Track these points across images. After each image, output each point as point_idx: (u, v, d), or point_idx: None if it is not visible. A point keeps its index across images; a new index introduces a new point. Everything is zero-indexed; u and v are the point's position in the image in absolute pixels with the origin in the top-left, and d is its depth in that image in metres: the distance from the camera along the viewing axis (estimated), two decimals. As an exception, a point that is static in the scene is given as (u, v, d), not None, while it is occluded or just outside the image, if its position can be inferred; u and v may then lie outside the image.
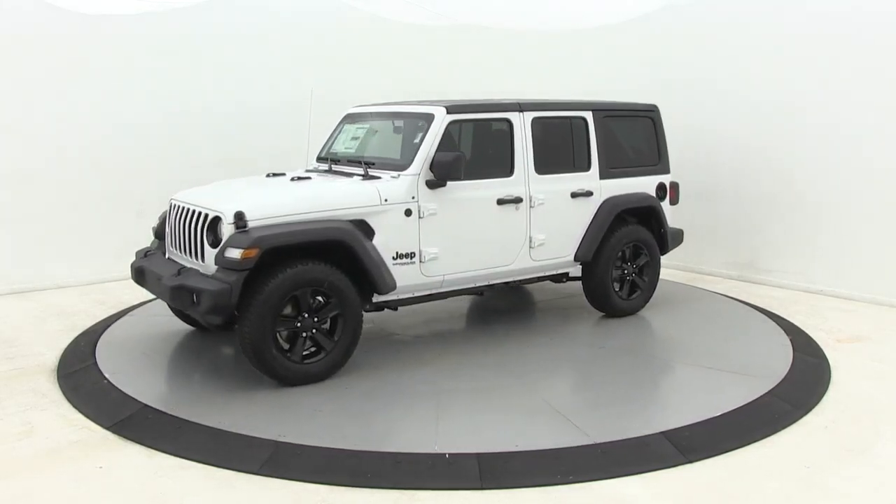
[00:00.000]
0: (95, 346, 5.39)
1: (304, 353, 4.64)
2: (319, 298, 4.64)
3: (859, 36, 6.77)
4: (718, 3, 7.91)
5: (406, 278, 4.98)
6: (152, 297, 6.06)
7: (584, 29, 9.12)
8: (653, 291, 6.39)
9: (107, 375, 4.76)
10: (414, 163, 5.02)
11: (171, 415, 4.15)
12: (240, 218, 4.42)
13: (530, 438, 3.86)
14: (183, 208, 4.93)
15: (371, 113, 5.91)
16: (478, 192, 5.28)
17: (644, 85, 7.87)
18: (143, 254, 5.42)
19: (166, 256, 5.20)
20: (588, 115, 5.90)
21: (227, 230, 4.45)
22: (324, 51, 8.70)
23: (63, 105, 7.39)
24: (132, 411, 4.23)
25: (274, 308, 4.40)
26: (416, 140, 5.14)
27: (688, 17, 8.17)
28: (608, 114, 6.07)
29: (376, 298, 5.00)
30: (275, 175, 5.53)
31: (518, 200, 5.43)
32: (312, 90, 6.24)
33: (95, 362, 5.02)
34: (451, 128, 5.21)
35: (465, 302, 6.73)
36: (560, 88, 8.01)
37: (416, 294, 5.20)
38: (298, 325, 4.57)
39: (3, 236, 7.15)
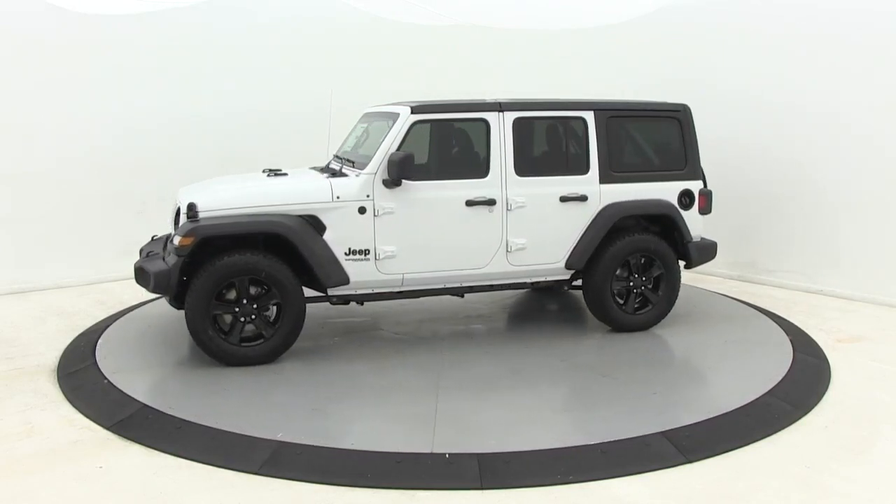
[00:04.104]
0: (95, 346, 5.39)
1: (246, 336, 4.95)
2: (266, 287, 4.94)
3: (860, 35, 6.77)
4: (719, 2, 7.91)
5: (361, 274, 5.09)
6: (152, 296, 6.13)
7: (586, 28, 9.12)
8: (669, 307, 5.84)
9: (107, 375, 4.77)
10: (371, 162, 5.11)
11: (171, 415, 4.15)
12: (191, 209, 4.82)
13: (376, 441, 3.83)
14: (175, 199, 5.39)
15: (369, 113, 5.98)
16: (442, 193, 5.22)
17: (645, 85, 7.86)
18: (151, 238, 5.86)
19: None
20: (588, 116, 5.57)
21: (182, 219, 4.89)
22: (324, 51, 8.69)
23: (63, 105, 7.39)
24: (132, 411, 4.23)
25: (208, 292, 4.77)
26: (381, 139, 5.21)
27: (688, 17, 8.17)
28: (617, 114, 5.67)
29: (331, 291, 5.12)
30: (270, 171, 5.64)
31: (491, 202, 5.28)
32: (332, 91, 6.35)
33: (95, 362, 5.03)
34: (417, 128, 5.19)
35: (479, 304, 6.64)
36: (562, 88, 7.97)
37: (377, 290, 5.24)
38: (237, 310, 4.87)
39: (3, 236, 7.15)
